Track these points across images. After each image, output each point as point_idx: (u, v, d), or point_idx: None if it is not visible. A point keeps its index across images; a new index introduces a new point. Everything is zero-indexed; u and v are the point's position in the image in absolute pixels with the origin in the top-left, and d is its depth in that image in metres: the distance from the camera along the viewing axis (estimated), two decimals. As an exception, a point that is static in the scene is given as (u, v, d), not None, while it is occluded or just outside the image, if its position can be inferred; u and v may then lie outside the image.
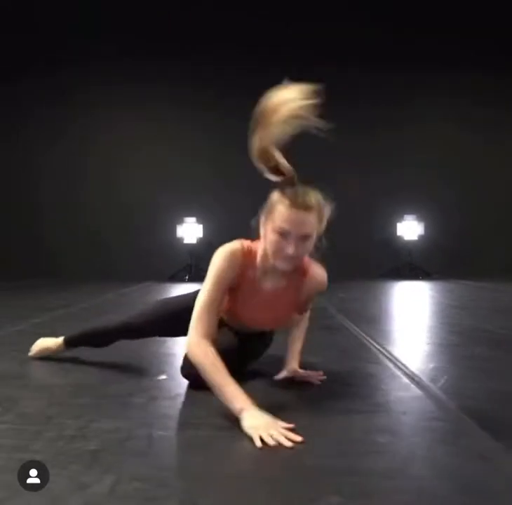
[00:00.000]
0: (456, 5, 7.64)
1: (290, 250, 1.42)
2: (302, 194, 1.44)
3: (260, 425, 1.23)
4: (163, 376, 1.82)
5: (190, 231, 7.13)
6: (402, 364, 1.99)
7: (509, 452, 1.15)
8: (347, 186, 7.32)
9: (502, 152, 7.73)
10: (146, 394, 1.61)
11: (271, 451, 1.15)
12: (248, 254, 1.57)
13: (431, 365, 1.98)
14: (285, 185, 1.46)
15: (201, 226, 7.18)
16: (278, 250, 1.44)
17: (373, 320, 3.31)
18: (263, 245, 1.54)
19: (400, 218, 7.29)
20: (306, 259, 1.59)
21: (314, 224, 1.44)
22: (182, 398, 1.58)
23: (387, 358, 2.12)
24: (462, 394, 1.60)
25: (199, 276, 7.26)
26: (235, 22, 7.49)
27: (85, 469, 1.07)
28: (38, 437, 1.24)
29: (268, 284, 1.60)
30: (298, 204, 1.41)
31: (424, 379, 1.77)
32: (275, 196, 1.47)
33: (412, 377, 1.79)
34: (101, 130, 7.79)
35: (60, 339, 2.09)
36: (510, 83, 7.69)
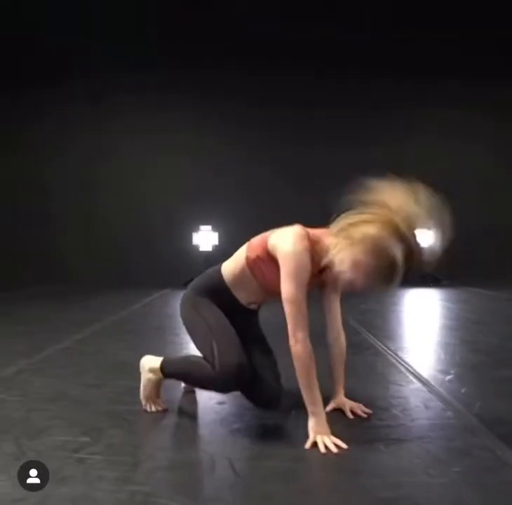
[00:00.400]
0: (454, 13, 7.79)
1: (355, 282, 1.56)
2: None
3: (322, 431, 1.57)
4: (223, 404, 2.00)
5: (205, 238, 7.30)
6: (436, 389, 2.17)
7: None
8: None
9: (504, 162, 7.89)
10: (212, 425, 1.79)
11: (349, 479, 1.33)
12: (312, 243, 1.64)
13: (463, 390, 2.16)
14: None
15: (216, 233, 7.35)
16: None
17: (397, 336, 3.49)
18: (329, 242, 1.60)
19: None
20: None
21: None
22: (248, 429, 1.76)
23: (420, 380, 2.29)
24: (496, 420, 1.78)
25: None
26: (259, 32, 7.64)
27: (192, 501, 1.24)
28: (136, 468, 1.42)
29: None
30: None
31: (460, 405, 1.94)
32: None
33: (448, 403, 1.97)
34: (119, 138, 7.94)
35: (158, 369, 1.92)
36: (486, 93, 7.82)
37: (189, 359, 1.88)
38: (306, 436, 1.59)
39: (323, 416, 1.61)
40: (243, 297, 1.86)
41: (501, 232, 7.74)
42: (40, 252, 7.82)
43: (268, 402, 1.78)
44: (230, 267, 1.84)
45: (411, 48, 7.74)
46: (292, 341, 1.63)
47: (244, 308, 1.89)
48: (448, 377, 2.36)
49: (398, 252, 1.47)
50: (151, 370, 1.91)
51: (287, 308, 1.62)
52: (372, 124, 7.77)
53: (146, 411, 1.89)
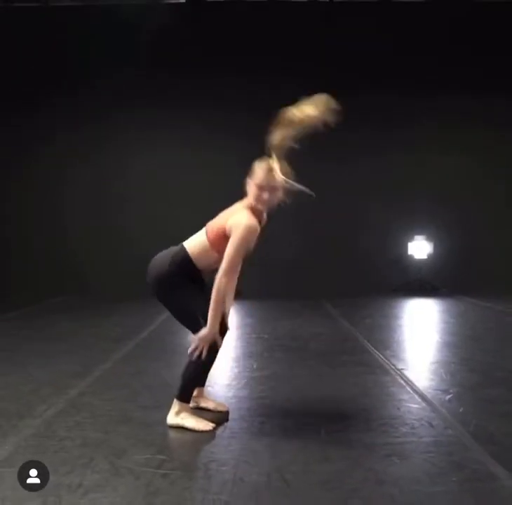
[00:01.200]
0: (455, 30, 8.16)
1: (264, 196, 2.30)
2: (273, 165, 2.33)
3: (208, 338, 2.24)
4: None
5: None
6: (439, 409, 2.58)
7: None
8: (367, 210, 7.99)
9: (504, 175, 8.28)
10: (248, 443, 2.21)
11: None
12: (253, 211, 2.34)
13: (461, 409, 2.58)
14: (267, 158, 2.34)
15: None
16: (258, 197, 2.30)
17: (403, 355, 3.91)
18: (250, 198, 2.34)
19: (411, 238, 7.90)
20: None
21: (279, 181, 2.33)
22: (287, 443, 2.18)
23: (424, 399, 2.71)
24: (488, 439, 2.19)
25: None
26: (265, 46, 7.96)
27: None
28: (210, 480, 1.83)
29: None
30: (269, 169, 2.30)
31: (458, 424, 2.36)
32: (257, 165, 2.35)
33: (449, 421, 2.39)
34: (136, 154, 8.26)
35: (178, 406, 2.37)
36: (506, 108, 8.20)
37: (184, 370, 2.36)
38: (338, 449, 2.01)
39: (216, 330, 2.24)
40: (204, 266, 2.39)
41: (495, 242, 8.15)
42: (71, 266, 8.17)
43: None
44: (194, 246, 2.38)
45: (406, 63, 8.11)
46: (218, 280, 2.23)
47: (201, 276, 2.43)
48: (448, 397, 2.78)
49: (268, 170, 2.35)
50: (178, 414, 2.35)
51: (226, 264, 2.22)
52: (373, 137, 8.11)
53: (206, 431, 2.31)
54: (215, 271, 2.33)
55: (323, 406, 2.68)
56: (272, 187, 2.31)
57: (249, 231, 2.23)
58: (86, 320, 5.66)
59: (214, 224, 2.38)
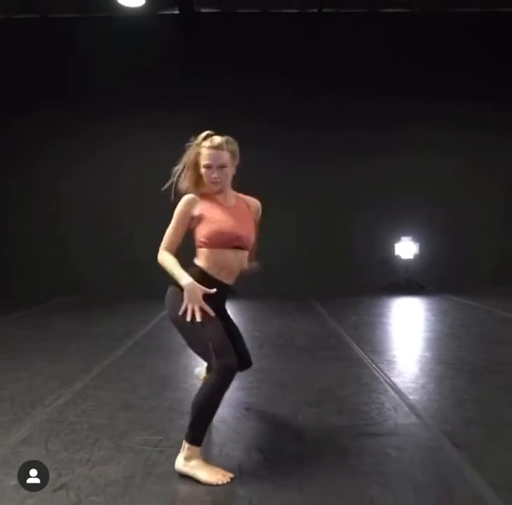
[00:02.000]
0: (451, 36, 8.50)
1: (214, 174, 2.19)
2: (214, 139, 2.21)
3: (194, 300, 2.05)
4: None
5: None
6: (406, 397, 2.91)
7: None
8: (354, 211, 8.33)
9: (490, 176, 8.62)
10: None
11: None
12: (204, 194, 2.27)
13: (425, 398, 2.91)
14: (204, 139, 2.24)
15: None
16: (207, 178, 2.21)
17: (382, 350, 4.23)
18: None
19: (398, 239, 8.24)
20: (240, 194, 2.38)
21: (226, 156, 2.20)
22: (259, 428, 2.50)
23: (394, 389, 3.04)
24: (444, 421, 2.52)
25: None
26: (265, 48, 8.30)
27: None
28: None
29: (227, 202, 2.28)
30: (212, 146, 2.19)
31: (422, 412, 2.69)
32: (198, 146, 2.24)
33: (414, 409, 2.72)
34: (133, 154, 8.47)
35: (187, 450, 2.04)
36: (497, 110, 8.51)
37: (193, 407, 2.04)
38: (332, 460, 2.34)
39: (195, 287, 2.06)
40: (223, 275, 2.21)
41: (480, 242, 8.50)
42: (57, 268, 8.43)
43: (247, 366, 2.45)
44: (199, 258, 2.22)
45: (408, 67, 8.42)
46: (159, 255, 2.20)
47: (225, 286, 2.24)
48: (415, 386, 3.11)
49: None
50: (188, 460, 2.02)
51: (165, 237, 2.23)
52: (361, 139, 8.44)
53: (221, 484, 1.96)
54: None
55: (302, 395, 3.01)
56: (219, 165, 2.20)
57: (181, 202, 2.23)
58: (87, 320, 5.95)
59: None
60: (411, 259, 8.19)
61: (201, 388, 2.06)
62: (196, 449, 2.03)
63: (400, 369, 3.56)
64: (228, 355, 2.04)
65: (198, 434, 2.03)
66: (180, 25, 8.21)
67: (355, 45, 8.41)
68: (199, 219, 2.20)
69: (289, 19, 8.49)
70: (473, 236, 8.49)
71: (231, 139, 2.26)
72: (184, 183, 2.27)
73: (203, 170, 2.22)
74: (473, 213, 8.55)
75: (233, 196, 2.33)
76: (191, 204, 2.22)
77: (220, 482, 1.94)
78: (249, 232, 2.27)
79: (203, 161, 2.20)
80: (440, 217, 8.39)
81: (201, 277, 2.14)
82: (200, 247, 2.22)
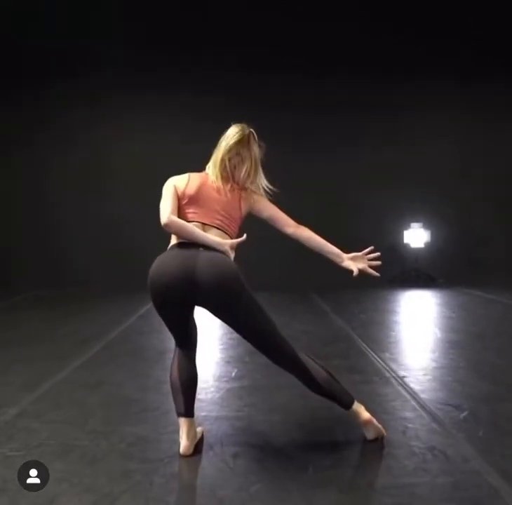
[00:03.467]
0: (452, 16, 7.71)
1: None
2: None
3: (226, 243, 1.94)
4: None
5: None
6: (455, 434, 2.12)
7: None
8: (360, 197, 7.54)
9: (503, 164, 7.89)
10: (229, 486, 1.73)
11: None
12: (200, 175, 2.09)
13: (480, 433, 2.11)
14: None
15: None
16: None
17: (403, 357, 3.44)
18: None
19: (407, 226, 7.42)
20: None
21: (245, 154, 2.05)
22: (265, 488, 1.70)
23: (434, 419, 2.24)
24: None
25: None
26: (258, 36, 7.55)
27: None
28: None
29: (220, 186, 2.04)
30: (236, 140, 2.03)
31: (478, 455, 1.89)
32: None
33: (467, 450, 1.92)
34: (135, 138, 7.81)
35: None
36: (508, 94, 7.79)
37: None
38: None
39: (219, 239, 1.94)
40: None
41: (495, 231, 7.74)
42: (52, 255, 7.72)
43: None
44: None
45: (405, 50, 7.68)
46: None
47: None
48: (463, 415, 2.31)
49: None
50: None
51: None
52: (369, 125, 7.70)
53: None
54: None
55: (310, 430, 2.21)
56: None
57: (169, 182, 2.07)
58: (55, 319, 5.16)
59: None
60: (421, 248, 7.39)
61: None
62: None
63: (433, 387, 2.76)
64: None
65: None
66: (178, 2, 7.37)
67: (356, 26, 7.59)
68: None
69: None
70: (488, 224, 7.71)
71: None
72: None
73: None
74: (488, 200, 7.77)
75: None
76: (177, 184, 2.08)
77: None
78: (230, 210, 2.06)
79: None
80: (453, 203, 7.59)
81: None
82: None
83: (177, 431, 2.01)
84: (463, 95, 7.73)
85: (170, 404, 2.50)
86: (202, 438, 2.08)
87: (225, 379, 2.96)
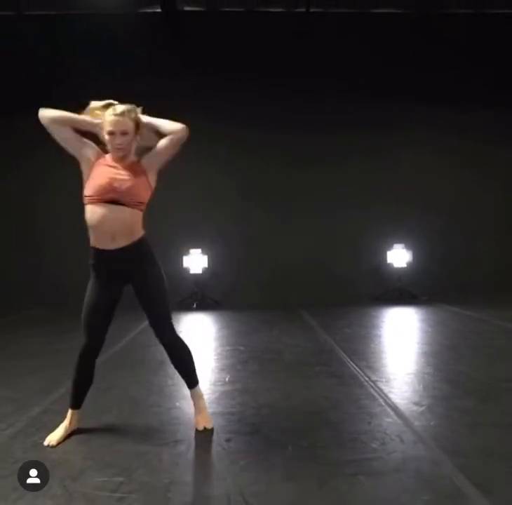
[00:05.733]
0: (444, 42, 8.25)
1: (117, 141, 2.28)
2: (117, 108, 2.30)
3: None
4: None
5: (196, 261, 7.62)
6: (411, 422, 2.54)
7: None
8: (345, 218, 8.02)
9: (483, 184, 8.39)
10: (224, 461, 2.14)
11: None
12: (102, 154, 2.38)
13: (432, 423, 2.53)
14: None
15: (206, 256, 7.68)
16: (110, 144, 2.30)
17: (379, 366, 3.85)
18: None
19: (390, 247, 7.92)
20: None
21: (128, 123, 2.29)
22: (255, 463, 2.11)
23: (396, 413, 2.66)
24: (457, 452, 2.15)
25: (205, 304, 7.75)
26: (251, 58, 8.00)
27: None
28: (168, 503, 1.76)
29: (120, 162, 2.34)
30: (115, 113, 2.27)
31: (429, 439, 2.32)
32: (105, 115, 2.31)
33: (420, 435, 2.34)
34: None
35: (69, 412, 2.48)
36: (492, 117, 8.29)
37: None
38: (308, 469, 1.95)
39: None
40: (97, 239, 2.35)
41: (474, 251, 8.23)
42: (33, 275, 8.00)
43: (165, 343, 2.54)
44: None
45: (401, 73, 8.17)
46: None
47: (106, 253, 2.35)
48: (421, 409, 2.74)
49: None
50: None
51: None
52: (352, 145, 8.17)
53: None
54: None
55: (292, 421, 2.62)
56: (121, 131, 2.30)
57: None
58: (57, 334, 5.48)
59: None
60: (404, 268, 7.87)
61: None
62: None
63: (400, 389, 3.18)
64: (84, 333, 2.42)
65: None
66: (162, 24, 7.88)
67: (342, 47, 8.14)
68: (87, 171, 2.33)
69: (274, 19, 8.21)
70: (467, 245, 8.20)
71: (133, 107, 2.34)
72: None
73: (106, 137, 2.30)
74: (467, 221, 8.28)
75: (130, 162, 2.36)
76: (92, 146, 2.36)
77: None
78: (130, 184, 2.28)
79: (107, 128, 2.28)
80: (433, 225, 8.09)
81: (90, 250, 2.38)
82: (85, 205, 2.32)
83: (178, 423, 2.43)
84: (448, 118, 8.08)
85: (171, 402, 2.93)
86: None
87: (220, 383, 3.37)
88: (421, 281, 7.98)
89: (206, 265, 7.69)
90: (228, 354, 4.28)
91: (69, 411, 2.48)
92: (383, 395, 3.00)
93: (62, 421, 2.59)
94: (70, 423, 2.44)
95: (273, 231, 8.18)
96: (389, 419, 2.59)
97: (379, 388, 3.16)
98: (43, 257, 8.05)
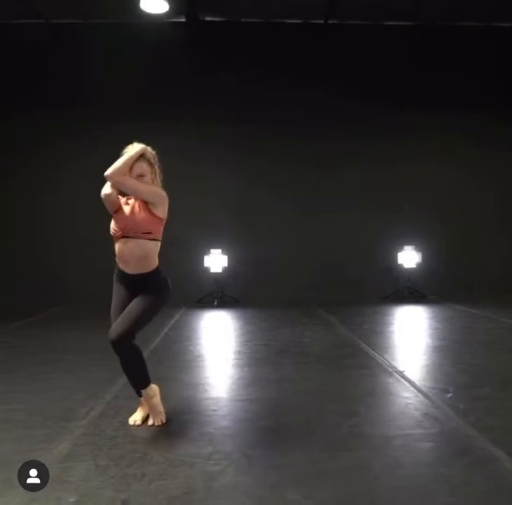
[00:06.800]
0: (451, 45, 8.63)
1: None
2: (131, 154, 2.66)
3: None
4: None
5: (216, 261, 8.00)
6: (442, 407, 2.93)
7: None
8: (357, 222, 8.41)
9: (491, 188, 8.80)
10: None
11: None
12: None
13: (461, 406, 2.93)
14: None
15: (226, 256, 8.08)
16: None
17: (399, 358, 4.25)
18: None
19: (400, 248, 8.32)
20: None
21: (145, 167, 2.69)
22: (307, 439, 2.49)
23: (428, 398, 3.05)
24: (488, 429, 2.54)
25: (224, 301, 8.13)
26: (256, 59, 8.38)
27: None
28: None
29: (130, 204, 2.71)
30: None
31: (460, 419, 2.71)
32: None
33: (454, 418, 2.73)
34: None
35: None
36: (496, 121, 8.62)
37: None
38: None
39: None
40: (121, 265, 2.70)
41: (480, 252, 8.64)
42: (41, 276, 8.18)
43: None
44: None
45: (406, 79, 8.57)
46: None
47: (127, 275, 2.69)
48: (449, 395, 3.13)
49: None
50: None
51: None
52: (364, 149, 8.55)
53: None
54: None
55: (335, 404, 3.00)
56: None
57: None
58: (90, 330, 5.82)
59: None
60: (413, 268, 8.27)
61: None
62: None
63: (425, 378, 3.58)
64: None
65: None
66: (185, 34, 8.22)
67: (357, 57, 8.52)
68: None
69: (292, 30, 8.58)
70: (474, 247, 8.61)
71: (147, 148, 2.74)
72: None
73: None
74: (474, 224, 8.68)
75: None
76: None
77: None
78: (136, 222, 2.63)
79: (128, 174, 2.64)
80: (443, 227, 8.51)
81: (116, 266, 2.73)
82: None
83: (214, 404, 2.80)
84: (456, 122, 8.44)
85: (211, 388, 3.31)
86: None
87: (263, 376, 3.76)
88: (428, 281, 8.39)
89: (226, 264, 8.08)
90: (260, 349, 4.66)
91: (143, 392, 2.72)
92: (412, 383, 3.40)
93: (133, 405, 2.97)
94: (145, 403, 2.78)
95: (288, 233, 8.57)
96: (421, 403, 2.98)
97: (406, 377, 3.55)
98: (49, 258, 8.27)
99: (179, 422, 2.72)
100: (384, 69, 8.56)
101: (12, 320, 6.45)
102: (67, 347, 4.88)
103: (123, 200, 2.73)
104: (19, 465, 2.12)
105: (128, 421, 2.72)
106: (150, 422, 2.71)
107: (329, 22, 8.19)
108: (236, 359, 4.22)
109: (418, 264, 8.25)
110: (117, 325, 2.56)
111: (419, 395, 3.14)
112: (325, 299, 7.82)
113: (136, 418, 2.73)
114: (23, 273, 8.31)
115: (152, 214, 2.66)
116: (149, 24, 8.13)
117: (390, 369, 3.79)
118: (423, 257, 8.26)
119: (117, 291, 2.74)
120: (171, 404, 3.03)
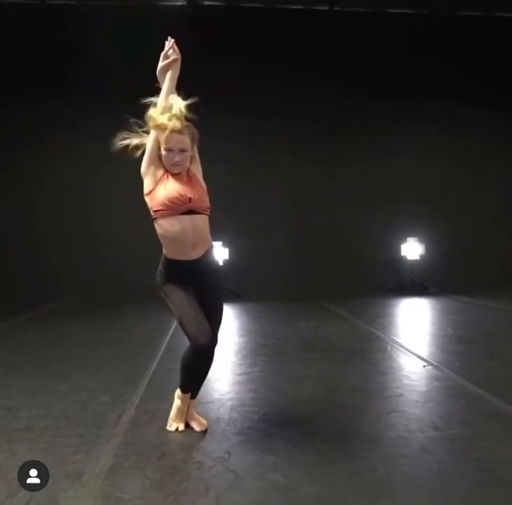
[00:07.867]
0: (450, 39, 8.53)
1: (176, 158, 2.26)
2: (176, 124, 2.25)
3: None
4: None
5: (217, 254, 7.75)
6: (447, 372, 2.79)
7: None
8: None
9: (493, 181, 8.78)
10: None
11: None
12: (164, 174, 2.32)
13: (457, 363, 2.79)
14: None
15: (227, 249, 7.84)
16: (168, 161, 2.27)
17: (424, 349, 4.09)
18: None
19: (404, 240, 8.22)
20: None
21: (188, 142, 2.28)
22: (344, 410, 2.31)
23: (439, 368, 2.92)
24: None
25: (224, 295, 7.84)
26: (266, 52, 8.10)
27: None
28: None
29: (178, 177, 2.31)
30: (176, 130, 2.24)
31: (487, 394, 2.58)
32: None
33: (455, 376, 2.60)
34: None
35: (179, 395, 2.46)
36: (501, 116, 8.60)
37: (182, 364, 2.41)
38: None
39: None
40: (172, 252, 2.31)
41: (483, 244, 8.60)
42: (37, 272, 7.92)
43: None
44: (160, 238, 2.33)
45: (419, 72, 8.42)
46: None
47: (188, 263, 2.30)
48: (457, 363, 3.05)
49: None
50: (178, 397, 2.48)
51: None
52: (367, 141, 8.41)
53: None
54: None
55: (386, 405, 2.83)
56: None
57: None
58: (96, 325, 5.60)
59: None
60: (417, 260, 8.18)
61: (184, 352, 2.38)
62: (182, 394, 2.45)
63: (453, 365, 3.49)
64: (193, 331, 2.24)
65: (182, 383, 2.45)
66: (184, 17, 7.88)
67: (359, 45, 8.33)
68: (151, 186, 2.29)
69: (293, 16, 8.33)
70: (477, 238, 8.58)
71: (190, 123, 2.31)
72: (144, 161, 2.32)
73: (163, 153, 2.27)
74: (477, 216, 8.65)
75: (186, 172, 2.35)
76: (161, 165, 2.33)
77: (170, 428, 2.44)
78: (196, 193, 2.30)
79: (165, 144, 2.25)
80: (446, 219, 8.43)
81: (165, 262, 2.34)
82: (154, 220, 2.31)
83: (230, 399, 2.60)
84: (460, 115, 8.37)
85: (235, 381, 3.13)
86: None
87: (294, 370, 3.56)
88: (431, 273, 8.31)
89: (227, 257, 7.85)
90: (283, 343, 4.46)
91: (183, 395, 2.45)
92: (442, 369, 3.36)
93: (166, 408, 2.69)
94: (186, 407, 2.49)
95: (291, 226, 8.37)
96: (455, 383, 2.94)
97: (436, 364, 3.50)
98: (45, 253, 8.01)
99: (229, 427, 2.49)
100: (386, 62, 8.41)
101: (10, 316, 6.10)
102: (75, 343, 4.61)
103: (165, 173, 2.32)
104: (59, 481, 1.88)
105: (166, 427, 2.49)
106: (197, 428, 2.46)
107: (334, 8, 7.96)
108: (270, 355, 4.01)
109: (421, 256, 8.16)
110: (208, 328, 2.25)
111: (456, 376, 3.03)
112: (328, 291, 7.66)
113: (178, 424, 2.47)
114: (18, 270, 7.96)
115: (203, 185, 2.38)
116: (148, 6, 7.78)
117: (419, 360, 3.63)
118: (427, 249, 8.17)
119: (183, 289, 2.29)
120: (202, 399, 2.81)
